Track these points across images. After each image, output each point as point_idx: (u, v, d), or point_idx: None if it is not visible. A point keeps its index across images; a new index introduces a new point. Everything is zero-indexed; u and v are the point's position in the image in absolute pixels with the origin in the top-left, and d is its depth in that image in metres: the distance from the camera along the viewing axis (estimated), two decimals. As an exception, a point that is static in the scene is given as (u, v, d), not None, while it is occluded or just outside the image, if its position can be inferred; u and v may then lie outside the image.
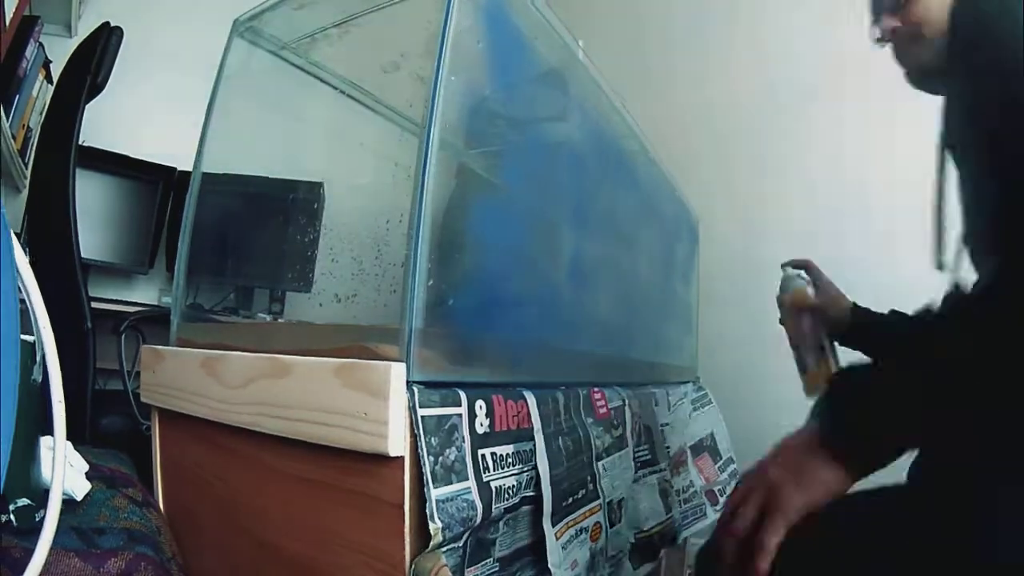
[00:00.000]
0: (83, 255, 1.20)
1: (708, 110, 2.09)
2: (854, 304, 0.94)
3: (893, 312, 0.91)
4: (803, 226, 1.87)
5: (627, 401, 0.90)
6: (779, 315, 0.96)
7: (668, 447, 1.05)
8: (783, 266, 0.97)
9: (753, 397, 1.84)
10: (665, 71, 2.20)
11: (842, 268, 1.86)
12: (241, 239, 1.10)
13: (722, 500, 1.23)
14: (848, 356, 0.92)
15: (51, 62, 1.62)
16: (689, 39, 2.18)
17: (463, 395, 0.57)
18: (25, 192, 1.59)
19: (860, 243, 1.64)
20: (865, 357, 0.89)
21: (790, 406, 2.01)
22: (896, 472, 0.65)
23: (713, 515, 1.18)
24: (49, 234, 1.26)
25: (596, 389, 0.83)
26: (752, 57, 2.03)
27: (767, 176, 1.91)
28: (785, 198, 1.88)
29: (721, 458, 1.33)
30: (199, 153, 0.87)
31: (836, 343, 0.94)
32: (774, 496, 0.53)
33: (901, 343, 0.65)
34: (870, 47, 0.77)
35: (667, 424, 1.08)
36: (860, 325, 0.91)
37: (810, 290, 0.94)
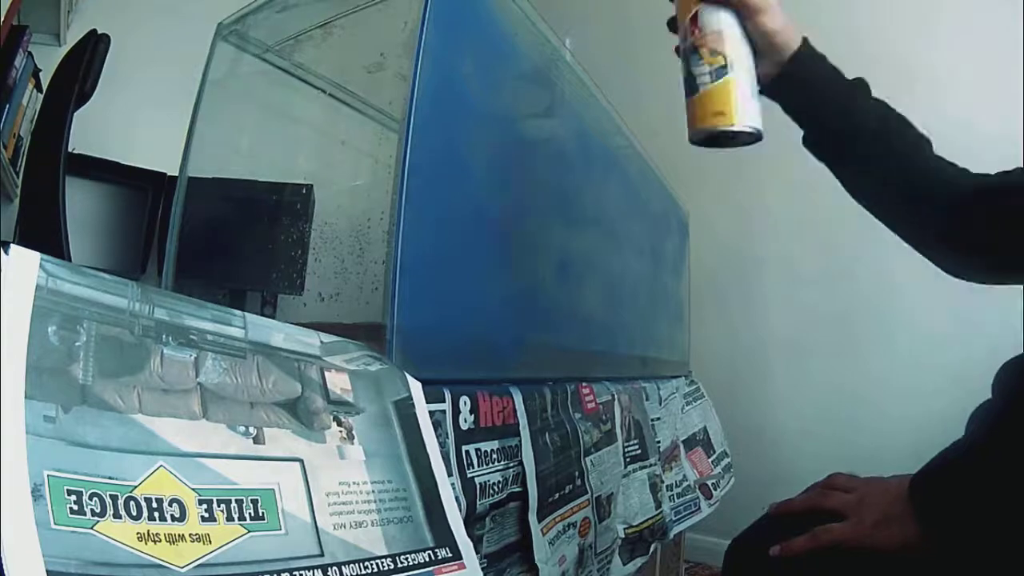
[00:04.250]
0: (75, 262, 1.20)
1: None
2: (805, 39, 0.62)
3: (870, 95, 0.62)
4: (796, 221, 1.87)
5: (616, 396, 0.91)
6: (672, 11, 0.63)
7: (659, 441, 1.05)
8: None
9: (746, 391, 1.84)
10: (655, 66, 2.20)
11: (836, 263, 1.86)
12: (230, 242, 1.11)
13: (716, 493, 1.24)
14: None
15: (40, 71, 1.62)
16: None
17: (447, 392, 0.57)
18: (17, 201, 1.59)
19: (854, 241, 1.64)
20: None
21: (783, 400, 2.02)
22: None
23: (707, 509, 1.18)
24: (41, 242, 1.27)
25: (584, 384, 0.83)
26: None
27: (758, 171, 1.91)
28: (777, 193, 1.89)
29: (715, 452, 1.34)
30: (184, 158, 0.88)
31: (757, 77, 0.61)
32: (852, 514, 0.53)
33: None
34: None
35: (658, 418, 1.08)
36: (804, 73, 0.61)
37: None
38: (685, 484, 1.15)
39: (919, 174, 0.61)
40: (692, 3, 0.60)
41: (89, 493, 0.29)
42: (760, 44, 0.60)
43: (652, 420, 1.04)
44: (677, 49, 0.63)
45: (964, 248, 0.60)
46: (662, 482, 1.02)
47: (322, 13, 0.88)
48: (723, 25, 0.59)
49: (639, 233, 1.24)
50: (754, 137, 0.59)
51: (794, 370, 1.84)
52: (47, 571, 0.26)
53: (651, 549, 0.95)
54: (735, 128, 0.57)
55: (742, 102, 0.57)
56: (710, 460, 1.30)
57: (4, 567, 0.25)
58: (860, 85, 0.63)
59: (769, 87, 0.62)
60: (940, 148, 0.64)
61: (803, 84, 0.61)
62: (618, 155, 1.14)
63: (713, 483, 1.25)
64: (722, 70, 0.58)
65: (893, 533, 0.50)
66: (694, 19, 0.60)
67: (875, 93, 0.63)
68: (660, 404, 1.12)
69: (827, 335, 1.80)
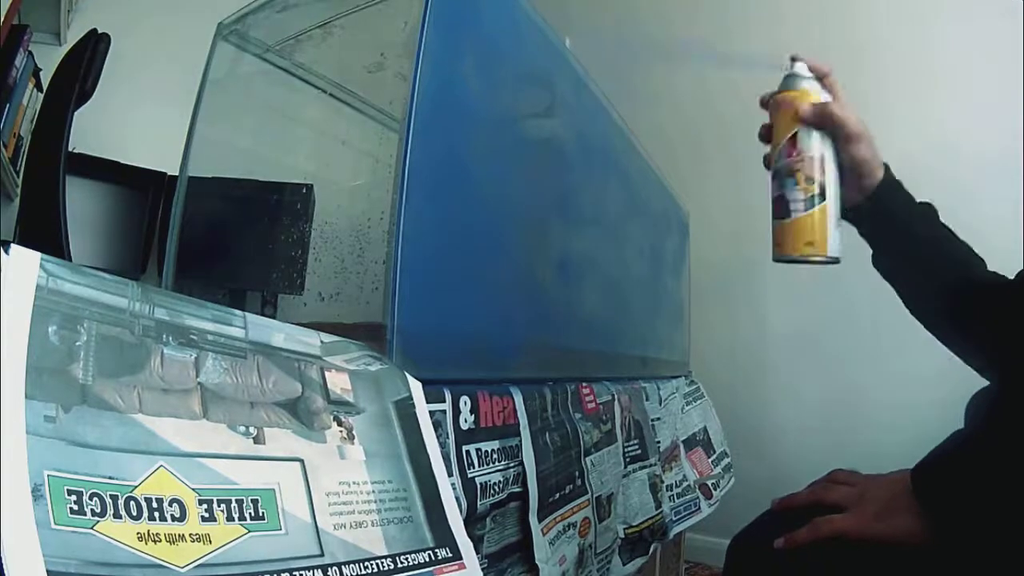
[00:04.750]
0: (75, 262, 1.20)
1: (701, 105, 2.09)
2: (887, 168, 0.64)
3: (939, 220, 0.65)
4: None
5: (616, 396, 0.90)
6: (762, 125, 0.65)
7: (659, 441, 1.05)
8: (792, 58, 0.63)
9: (747, 390, 1.84)
10: (655, 66, 2.20)
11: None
12: (230, 242, 1.11)
13: (716, 493, 1.24)
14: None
15: (41, 70, 1.62)
16: (681, 32, 2.18)
17: (447, 392, 0.57)
18: (17, 201, 1.59)
19: (854, 240, 1.64)
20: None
21: (783, 400, 2.02)
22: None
23: (707, 509, 1.18)
24: (41, 241, 1.27)
25: (584, 384, 0.83)
26: (744, 52, 2.03)
27: (759, 171, 1.91)
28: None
29: (715, 452, 1.34)
30: (184, 157, 0.88)
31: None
32: (853, 506, 0.53)
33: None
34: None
35: (658, 418, 1.08)
36: (889, 205, 0.63)
37: (825, 96, 0.61)
38: (685, 484, 1.14)
39: (972, 291, 0.64)
40: (791, 123, 0.60)
41: (89, 493, 0.29)
42: (849, 171, 0.62)
43: (652, 420, 1.04)
44: (766, 160, 0.64)
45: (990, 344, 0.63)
46: (662, 482, 1.02)
47: (322, 13, 0.88)
48: (821, 151, 0.60)
49: (639, 233, 1.24)
50: (835, 263, 0.62)
51: (794, 369, 1.84)
52: (47, 571, 0.26)
53: (651, 549, 0.95)
54: (824, 258, 0.60)
55: (831, 232, 0.60)
56: (710, 460, 1.30)
57: (4, 567, 0.25)
58: (930, 212, 0.65)
59: (853, 215, 0.64)
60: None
61: (888, 216, 0.64)
62: (618, 155, 1.14)
63: (713, 483, 1.25)
64: (816, 199, 0.59)
65: (895, 523, 0.50)
66: (793, 140, 0.60)
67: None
68: (660, 404, 1.12)
69: (827, 335, 1.80)
